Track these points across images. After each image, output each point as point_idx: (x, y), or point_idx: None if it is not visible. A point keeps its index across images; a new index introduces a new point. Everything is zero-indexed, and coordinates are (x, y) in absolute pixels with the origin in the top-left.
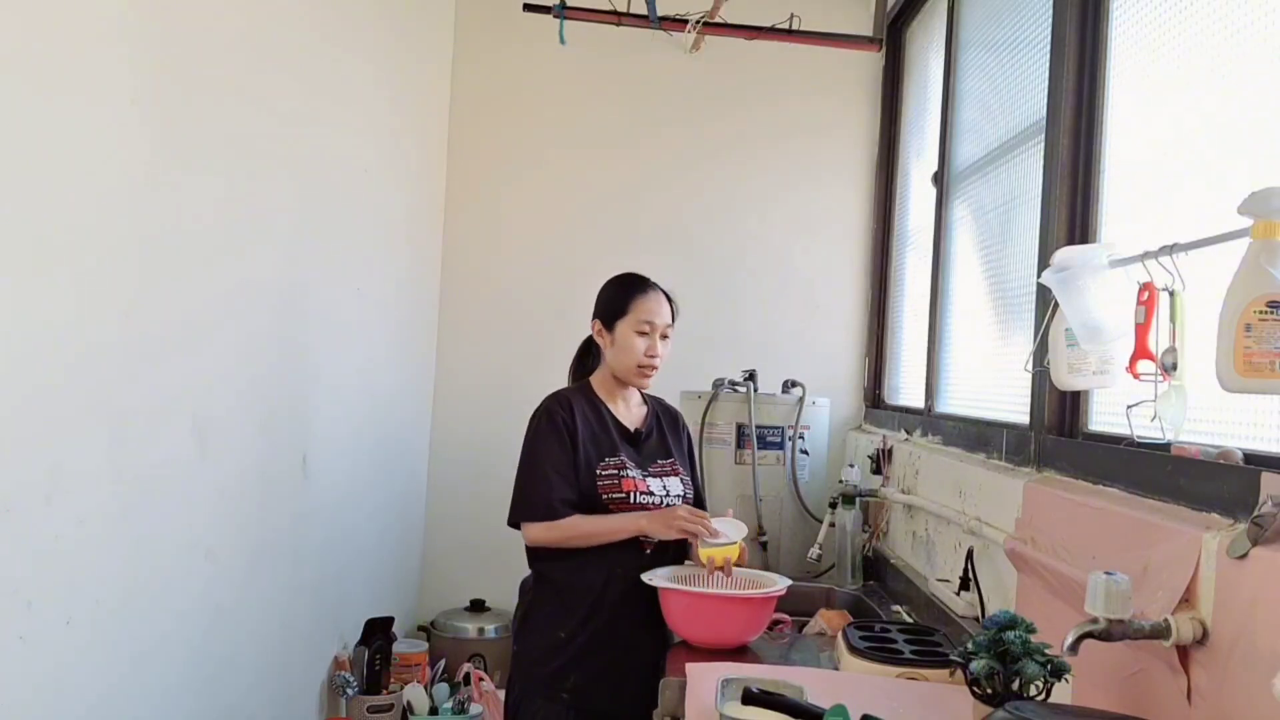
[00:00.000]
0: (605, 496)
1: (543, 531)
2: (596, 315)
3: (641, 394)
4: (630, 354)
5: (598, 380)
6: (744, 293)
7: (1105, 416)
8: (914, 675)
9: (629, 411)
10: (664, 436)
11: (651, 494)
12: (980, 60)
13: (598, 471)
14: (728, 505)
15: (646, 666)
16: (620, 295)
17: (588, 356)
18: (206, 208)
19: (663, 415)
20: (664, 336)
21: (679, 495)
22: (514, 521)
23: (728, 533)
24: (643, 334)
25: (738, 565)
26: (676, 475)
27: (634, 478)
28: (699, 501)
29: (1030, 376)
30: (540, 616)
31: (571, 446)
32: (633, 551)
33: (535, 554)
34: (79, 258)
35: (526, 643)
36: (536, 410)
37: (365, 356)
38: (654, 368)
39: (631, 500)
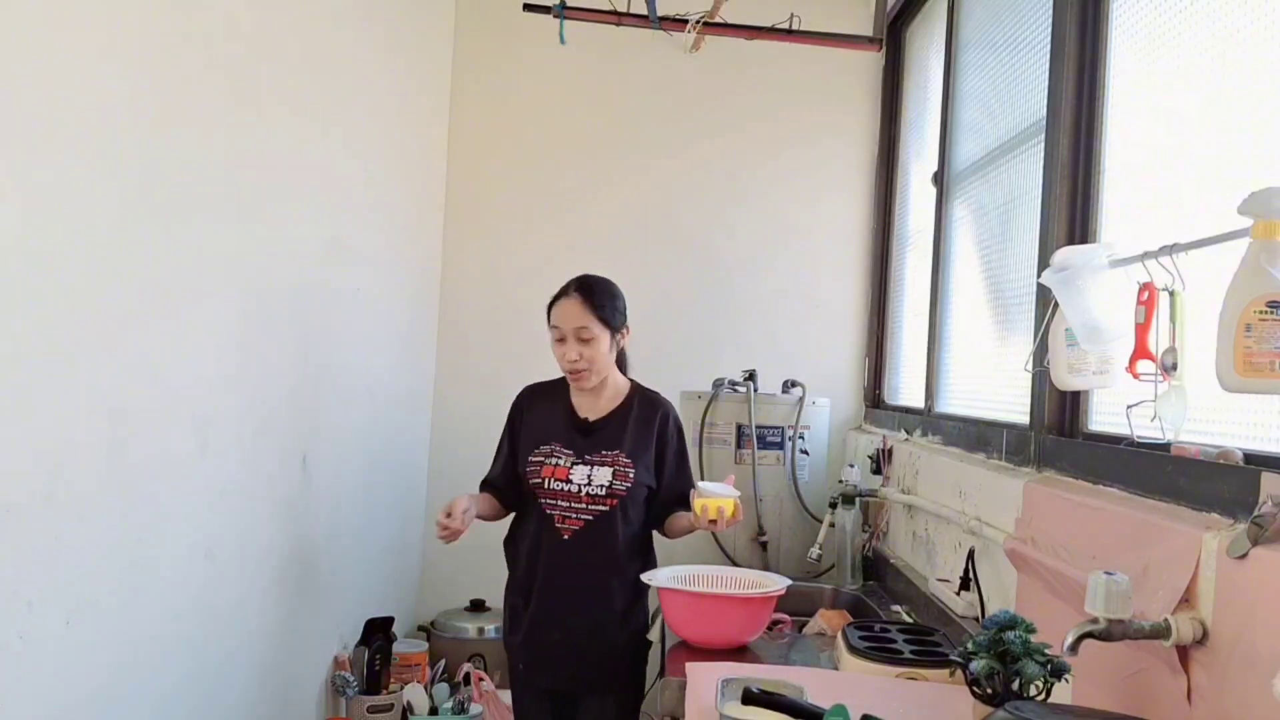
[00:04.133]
0: (530, 481)
1: None
2: None
3: (635, 387)
4: (558, 361)
5: None
6: (744, 293)
7: (1105, 416)
8: (914, 675)
9: (594, 403)
10: (624, 428)
11: (569, 481)
12: (980, 60)
13: (529, 458)
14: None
15: (589, 645)
16: (550, 304)
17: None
18: (206, 209)
19: (639, 408)
20: (584, 340)
21: (602, 485)
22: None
23: (722, 492)
24: (559, 341)
25: (730, 521)
26: (612, 465)
27: (557, 465)
28: (675, 494)
29: (1030, 376)
30: (507, 596)
31: (514, 435)
32: (554, 538)
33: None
34: (79, 258)
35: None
36: None
37: (365, 356)
38: (580, 371)
39: (545, 486)
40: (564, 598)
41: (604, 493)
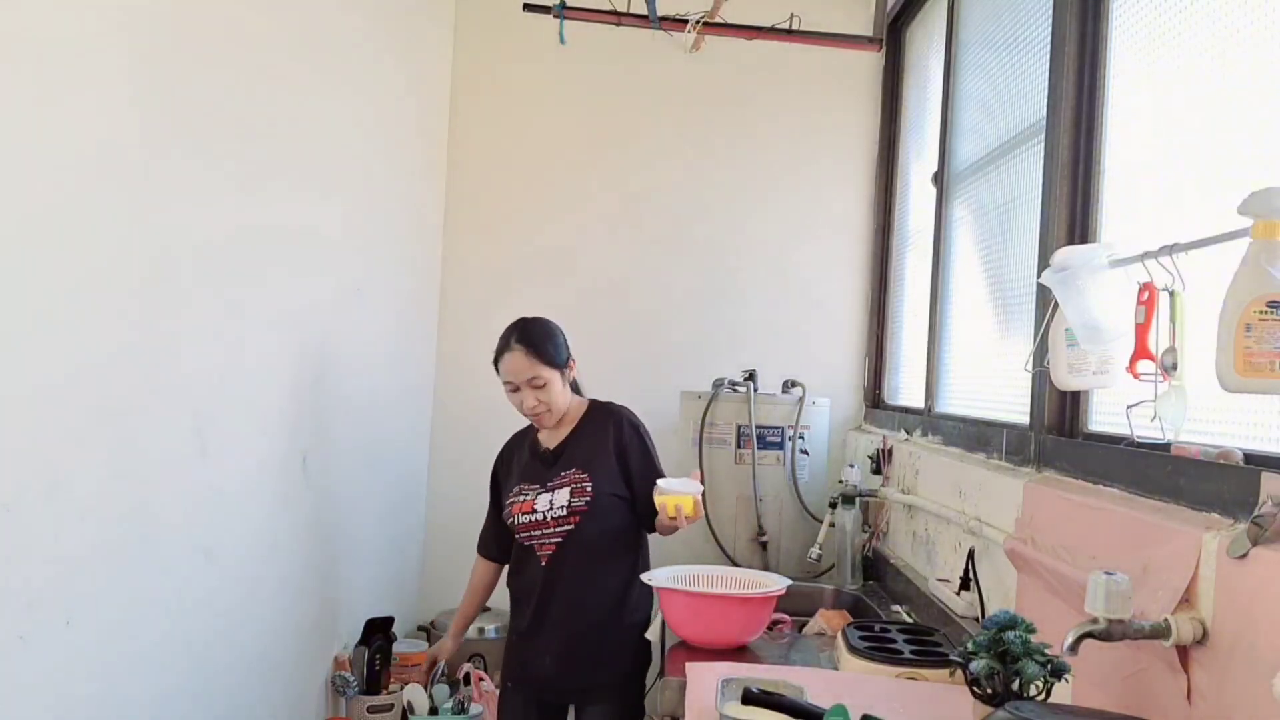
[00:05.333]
0: (509, 523)
1: None
2: None
3: (591, 405)
4: (517, 409)
5: None
6: (744, 293)
7: (1105, 416)
8: (914, 675)
9: (555, 433)
10: (579, 446)
11: (534, 513)
12: (980, 60)
13: (505, 503)
14: (728, 507)
15: (584, 656)
16: (495, 358)
17: None
18: (206, 209)
19: (591, 422)
20: (537, 387)
21: (563, 506)
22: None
23: (681, 489)
24: (514, 391)
25: (690, 518)
26: (570, 484)
27: (523, 501)
28: (641, 502)
29: (1030, 376)
30: (509, 634)
31: (499, 487)
32: (535, 566)
33: None
34: (79, 258)
35: None
36: None
37: (365, 356)
38: (540, 414)
39: (519, 522)
40: (553, 618)
41: (565, 512)
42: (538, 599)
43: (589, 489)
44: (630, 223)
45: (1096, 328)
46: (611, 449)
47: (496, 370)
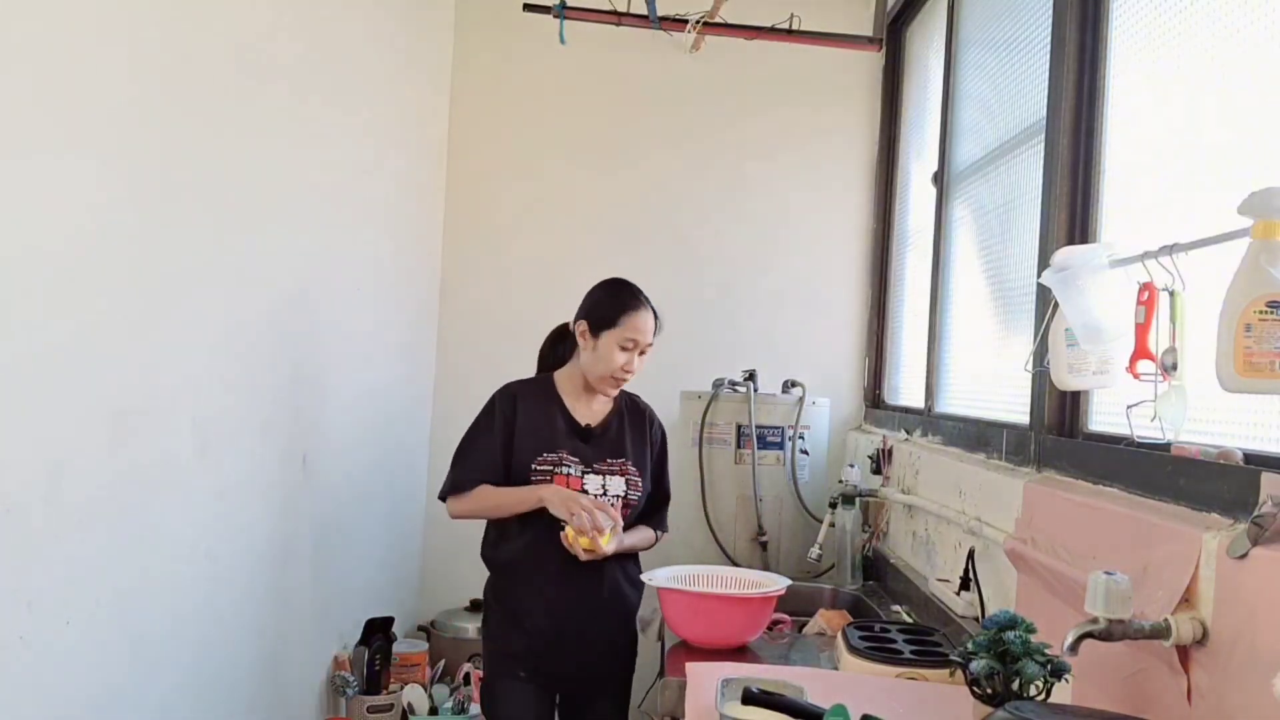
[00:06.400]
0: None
1: (456, 504)
2: (584, 316)
3: (619, 392)
4: (607, 364)
5: (563, 375)
6: (744, 293)
7: (1105, 416)
8: (914, 675)
9: (589, 408)
10: (623, 435)
11: (585, 492)
12: (980, 60)
13: (533, 465)
14: (728, 507)
15: (600, 641)
16: (612, 305)
17: (560, 344)
18: (206, 208)
19: (629, 414)
20: (642, 353)
21: (618, 495)
22: (440, 496)
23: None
24: (625, 349)
25: (588, 550)
26: (623, 475)
27: (569, 474)
28: (652, 503)
29: (1030, 376)
30: (494, 601)
31: (508, 437)
32: (555, 536)
33: (483, 545)
34: (78, 258)
35: (488, 627)
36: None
37: (365, 356)
38: (623, 381)
39: None
40: (579, 604)
41: (619, 503)
42: (566, 581)
43: (640, 484)
44: (630, 222)
45: (1096, 328)
46: (647, 447)
47: (606, 324)
